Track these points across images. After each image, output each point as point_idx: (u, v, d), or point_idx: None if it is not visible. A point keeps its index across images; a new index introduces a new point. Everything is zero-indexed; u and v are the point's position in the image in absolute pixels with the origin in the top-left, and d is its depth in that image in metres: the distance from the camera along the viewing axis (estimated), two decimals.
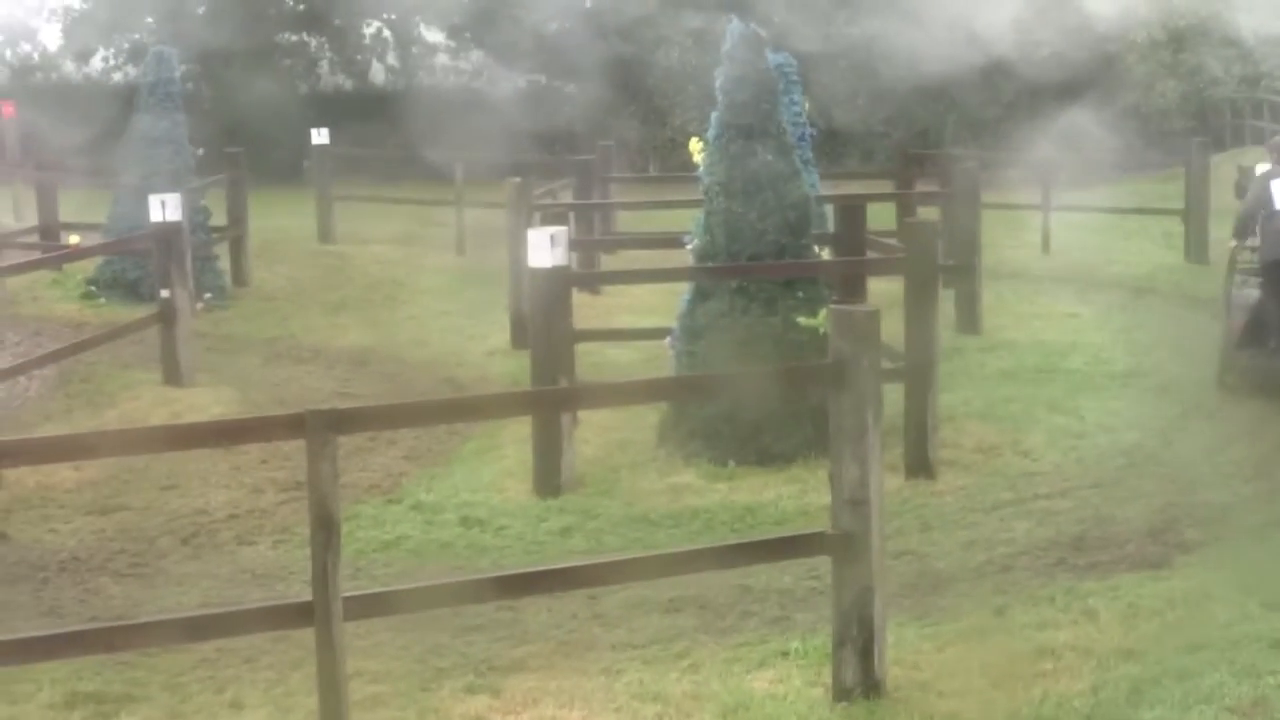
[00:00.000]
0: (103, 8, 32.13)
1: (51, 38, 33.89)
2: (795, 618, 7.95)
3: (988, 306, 15.82)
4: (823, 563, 7.17)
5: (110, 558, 9.41)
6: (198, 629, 6.84)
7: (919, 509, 9.86)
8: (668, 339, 11.46)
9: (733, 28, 11.11)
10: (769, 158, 10.93)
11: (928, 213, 16.98)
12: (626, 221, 21.46)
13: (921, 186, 18.58)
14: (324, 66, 34.58)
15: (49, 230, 19.29)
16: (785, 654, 7.36)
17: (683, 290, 11.51)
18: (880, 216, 15.90)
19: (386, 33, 33.98)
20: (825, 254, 12.04)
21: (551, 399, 9.38)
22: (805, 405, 10.22)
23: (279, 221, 22.75)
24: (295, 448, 9.65)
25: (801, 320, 10.70)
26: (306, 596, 6.35)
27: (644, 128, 32.27)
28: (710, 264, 11.06)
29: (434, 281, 19.30)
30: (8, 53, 33.53)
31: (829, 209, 13.16)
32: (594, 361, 12.87)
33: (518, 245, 14.53)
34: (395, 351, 15.46)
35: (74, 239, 18.89)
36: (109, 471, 10.87)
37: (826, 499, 6.92)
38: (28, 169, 21.78)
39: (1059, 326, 15.69)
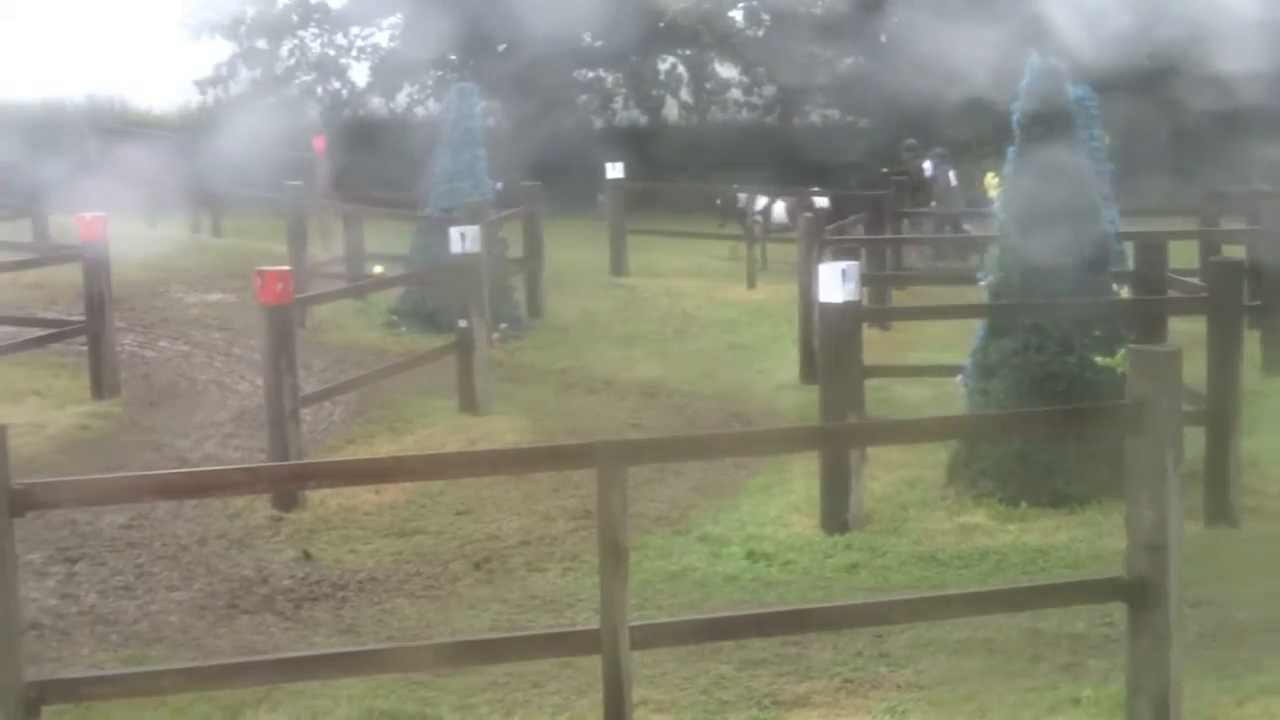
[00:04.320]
0: (409, 45, 33.12)
1: (360, 75, 35.10)
2: (1087, 664, 7.75)
3: None
4: (1117, 609, 6.98)
5: (406, 579, 9.66)
6: (488, 652, 6.98)
7: (1219, 557, 9.52)
8: (959, 376, 11.31)
9: (1031, 61, 10.94)
10: (1066, 193, 10.72)
11: (1233, 251, 16.45)
12: (919, 257, 21.28)
13: (1227, 223, 17.97)
14: (619, 102, 35.08)
15: (354, 261, 19.95)
16: (1077, 701, 7.19)
17: (975, 327, 11.36)
18: (1182, 254, 15.45)
19: (681, 69, 34.32)
20: (1124, 292, 11.75)
21: (840, 435, 9.33)
22: (1101, 447, 9.99)
23: (573, 254, 23.16)
24: (586, 477, 9.83)
25: (1099, 360, 10.46)
26: (594, 624, 6.43)
27: (938, 162, 31.89)
28: (1004, 301, 10.89)
29: (724, 315, 19.38)
30: (319, 90, 34.79)
31: (1128, 246, 12.85)
32: (883, 398, 12.76)
33: (808, 279, 14.52)
34: (685, 384, 15.57)
35: (378, 269, 19.51)
36: (407, 495, 11.17)
37: (1122, 543, 6.74)
38: (335, 202, 22.56)
39: None
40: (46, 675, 7.05)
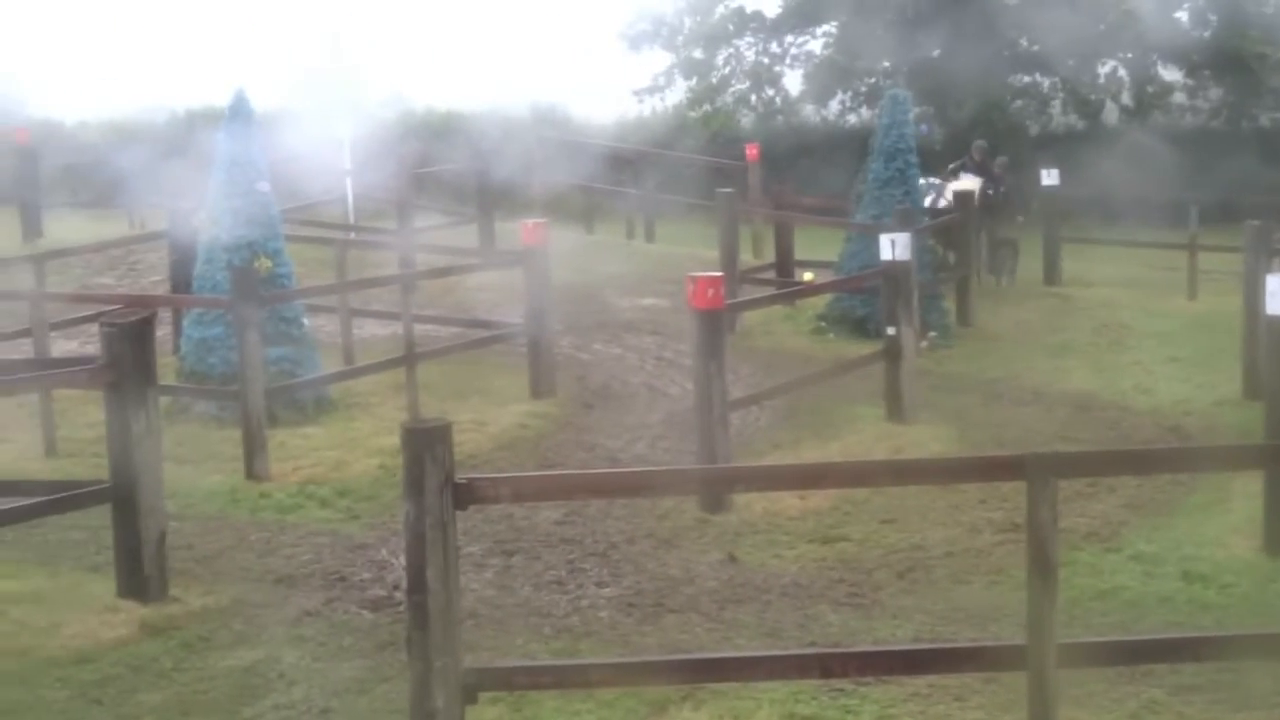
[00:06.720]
0: (842, 53, 33.20)
1: (793, 83, 35.33)
2: None
3: None
4: None
5: (829, 586, 9.67)
6: (912, 662, 6.95)
7: None
8: None
9: None
10: None
11: None
12: None
13: None
14: (1055, 107, 34.30)
15: (784, 267, 20.12)
16: None
17: None
18: None
19: (1122, 72, 33.34)
20: None
21: None
22: None
23: None
24: (1013, 489, 9.66)
25: None
26: (1020, 640, 6.31)
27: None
28: None
29: (1162, 327, 18.77)
30: (753, 98, 35.20)
31: None
32: None
33: (1254, 291, 13.92)
34: (1118, 397, 15.14)
35: (808, 276, 19.61)
36: (831, 502, 11.19)
37: None
38: (767, 208, 22.79)
39: None
40: (484, 663, 7.36)
